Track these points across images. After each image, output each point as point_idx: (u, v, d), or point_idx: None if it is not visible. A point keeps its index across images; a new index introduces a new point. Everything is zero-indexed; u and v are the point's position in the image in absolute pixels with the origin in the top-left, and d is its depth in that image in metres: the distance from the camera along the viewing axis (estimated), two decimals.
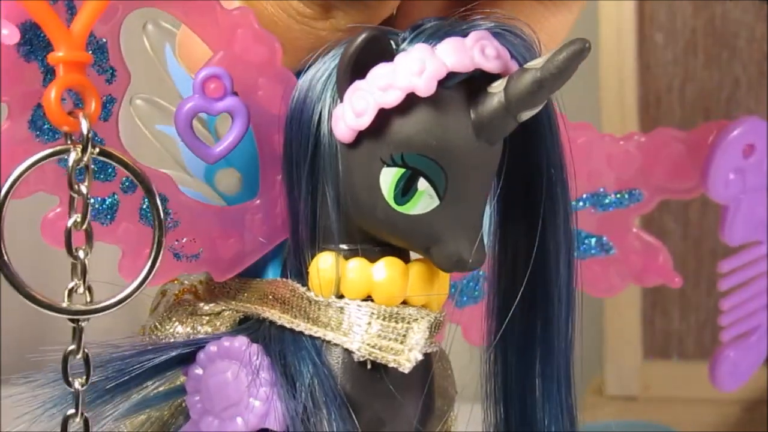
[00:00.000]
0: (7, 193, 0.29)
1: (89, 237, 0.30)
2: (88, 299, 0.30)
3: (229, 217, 0.35)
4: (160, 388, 0.34)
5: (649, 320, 0.97)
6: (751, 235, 0.44)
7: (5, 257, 0.29)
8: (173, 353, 0.33)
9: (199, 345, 0.33)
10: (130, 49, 0.37)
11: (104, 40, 0.31)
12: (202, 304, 0.37)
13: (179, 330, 0.36)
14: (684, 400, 0.88)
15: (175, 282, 0.39)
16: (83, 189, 0.30)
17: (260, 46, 0.33)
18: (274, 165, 0.34)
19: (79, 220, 0.30)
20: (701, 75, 0.96)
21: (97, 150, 0.30)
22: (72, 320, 0.30)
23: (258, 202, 0.35)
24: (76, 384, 0.31)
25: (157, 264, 0.31)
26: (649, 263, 0.45)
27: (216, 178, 0.37)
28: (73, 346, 0.30)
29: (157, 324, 0.37)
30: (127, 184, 0.33)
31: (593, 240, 0.43)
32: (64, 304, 0.30)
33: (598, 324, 0.97)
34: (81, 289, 0.30)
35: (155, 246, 0.31)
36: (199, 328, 0.36)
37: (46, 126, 0.31)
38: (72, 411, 0.31)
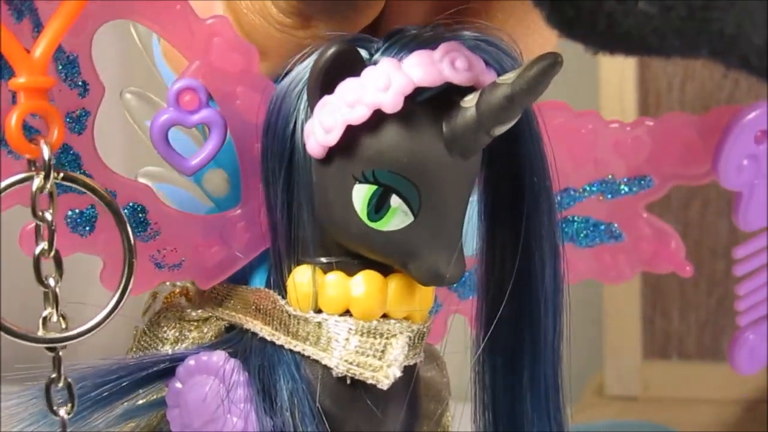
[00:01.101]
0: None
1: (58, 264, 0.30)
2: (63, 326, 0.30)
3: (211, 226, 0.35)
4: (141, 401, 0.34)
5: (649, 320, 0.97)
6: (764, 222, 0.44)
7: None
8: (154, 369, 0.33)
9: (178, 359, 0.33)
10: (120, 41, 0.37)
11: (75, 54, 0.31)
12: (190, 310, 0.37)
13: (168, 335, 0.36)
14: (684, 400, 0.89)
15: (166, 284, 0.38)
16: (48, 216, 0.29)
17: (237, 54, 0.33)
18: (254, 173, 0.34)
19: (46, 247, 0.30)
20: (701, 75, 0.96)
21: (61, 175, 0.30)
22: (49, 348, 0.30)
23: (239, 211, 0.35)
24: (62, 412, 0.31)
25: (130, 287, 0.31)
26: (660, 249, 0.44)
27: (204, 178, 0.36)
28: (54, 375, 0.30)
29: (146, 329, 0.37)
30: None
31: (602, 227, 0.43)
32: (40, 333, 0.30)
33: (598, 324, 0.97)
34: (54, 318, 0.30)
35: (126, 267, 0.31)
36: (187, 333, 0.36)
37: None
38: None
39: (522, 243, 0.34)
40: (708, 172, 0.42)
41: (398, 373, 0.31)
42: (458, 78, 0.30)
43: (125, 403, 0.33)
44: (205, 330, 0.36)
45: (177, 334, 0.36)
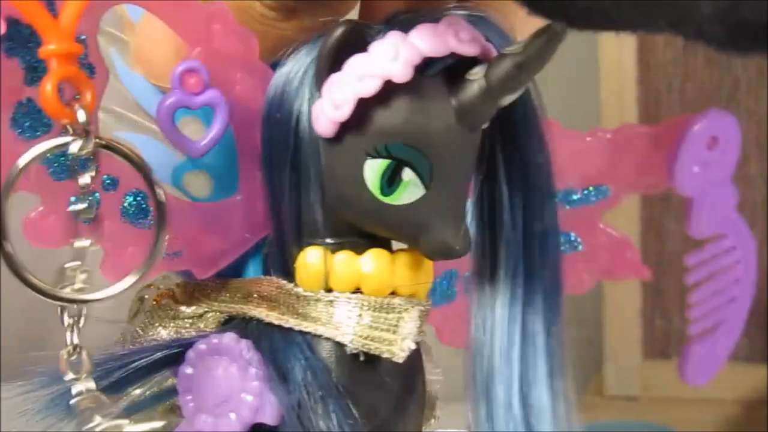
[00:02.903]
0: (9, 184, 0.29)
1: (97, 227, 0.30)
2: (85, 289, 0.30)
3: (210, 214, 0.34)
4: (147, 393, 0.34)
5: (649, 320, 0.97)
6: (717, 228, 0.44)
7: (9, 248, 0.29)
8: (159, 355, 0.33)
9: (185, 345, 0.33)
10: None
11: (84, 36, 0.31)
12: (183, 308, 0.36)
13: (162, 334, 0.36)
14: (684, 400, 0.88)
15: (152, 287, 0.38)
16: (87, 179, 0.30)
17: (237, 40, 0.33)
18: (253, 160, 0.34)
19: (84, 208, 0.30)
20: (701, 75, 0.96)
21: (97, 141, 0.30)
22: (62, 308, 0.30)
23: (238, 197, 0.35)
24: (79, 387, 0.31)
25: (159, 254, 0.31)
26: (616, 258, 0.44)
27: (184, 181, 0.36)
28: (76, 342, 0.30)
29: (139, 330, 0.36)
30: (108, 182, 0.32)
31: (561, 237, 0.43)
32: (63, 292, 0.30)
33: (598, 324, 0.97)
34: (80, 277, 0.30)
35: (157, 236, 0.31)
36: (183, 331, 0.36)
37: (27, 124, 0.30)
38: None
39: (522, 228, 0.34)
40: (662, 181, 0.43)
41: (413, 346, 0.32)
42: (463, 49, 0.31)
43: (128, 397, 0.33)
44: (202, 325, 0.35)
45: (173, 333, 0.36)
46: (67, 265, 0.30)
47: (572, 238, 0.43)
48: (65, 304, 0.30)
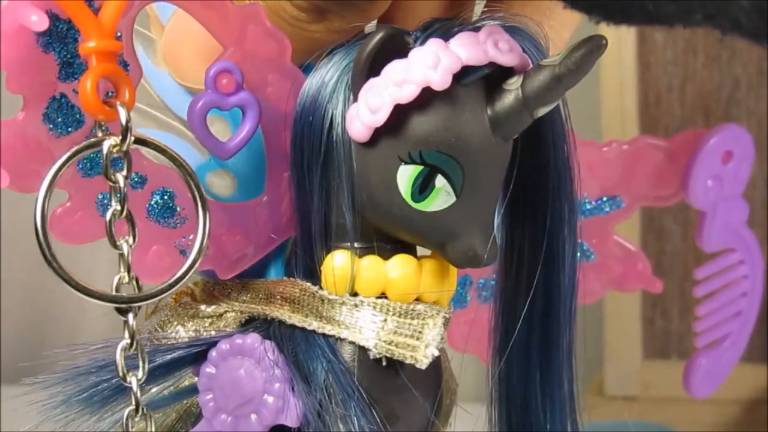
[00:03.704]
0: (50, 184, 0.29)
1: (132, 225, 0.30)
2: (136, 289, 0.30)
3: (235, 214, 0.34)
4: (165, 392, 0.34)
5: (649, 320, 0.97)
6: (727, 243, 0.45)
7: (51, 252, 0.29)
8: (179, 353, 0.33)
9: (207, 344, 0.33)
10: None
11: (119, 33, 0.31)
12: (203, 306, 0.36)
13: (181, 333, 0.36)
14: (684, 400, 0.88)
15: None
16: (120, 178, 0.30)
17: (271, 42, 0.33)
18: (281, 162, 0.34)
19: (118, 209, 0.30)
20: (701, 75, 0.96)
21: (134, 138, 0.30)
22: (120, 310, 0.30)
23: (265, 198, 0.35)
24: (133, 380, 0.31)
25: (204, 246, 0.31)
26: (628, 270, 0.45)
27: (207, 180, 0.36)
28: (126, 340, 0.30)
29: (157, 327, 0.36)
30: (135, 179, 0.32)
31: None
32: (116, 294, 0.30)
33: (598, 324, 0.98)
34: (126, 280, 0.30)
35: (202, 228, 0.31)
36: (202, 330, 0.35)
37: (59, 119, 0.30)
38: (132, 407, 0.31)
39: (545, 244, 0.35)
40: (676, 194, 0.44)
41: (436, 353, 0.32)
42: (502, 58, 0.31)
43: (146, 396, 0.33)
44: (222, 325, 0.35)
45: (192, 332, 0.35)
46: (119, 275, 0.30)
47: (585, 248, 0.44)
48: (122, 305, 0.30)
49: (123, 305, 0.30)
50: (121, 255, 0.30)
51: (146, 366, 0.31)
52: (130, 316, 0.30)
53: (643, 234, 0.96)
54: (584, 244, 0.44)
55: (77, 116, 0.31)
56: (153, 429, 0.31)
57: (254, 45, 0.33)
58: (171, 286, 0.31)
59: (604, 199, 0.43)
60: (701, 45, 0.96)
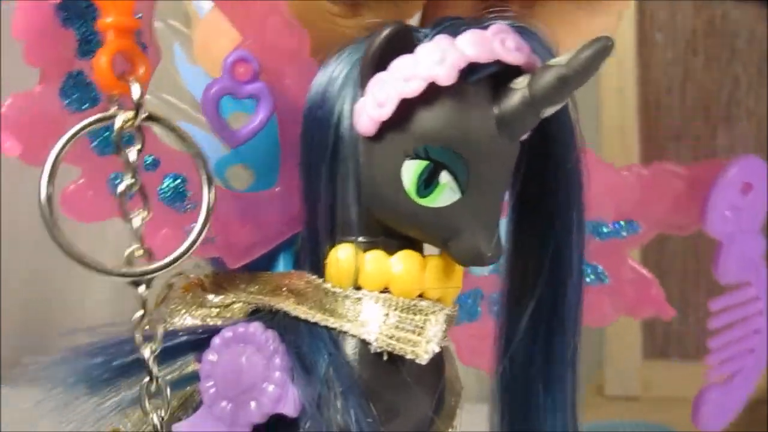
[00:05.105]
0: (57, 156, 0.29)
1: (145, 198, 0.30)
2: (150, 259, 0.31)
3: (247, 204, 0.35)
4: (168, 377, 0.34)
5: (649, 321, 0.97)
6: (742, 276, 0.45)
7: (56, 226, 0.29)
8: (184, 338, 0.33)
9: (212, 331, 0.33)
10: None
11: (140, 15, 0.31)
12: (211, 296, 0.36)
13: (188, 321, 0.36)
14: (684, 400, 0.88)
15: (182, 275, 0.38)
16: (134, 152, 0.30)
17: (290, 35, 0.33)
18: (294, 154, 0.34)
19: (131, 182, 0.30)
20: (701, 75, 0.97)
21: (146, 114, 0.30)
22: (135, 284, 0.30)
23: (278, 190, 0.35)
24: (146, 352, 0.31)
25: (209, 220, 0.31)
26: (641, 295, 0.45)
27: (227, 174, 0.36)
28: (141, 312, 0.31)
29: (166, 316, 0.37)
30: (148, 162, 0.33)
31: (588, 268, 0.43)
32: (126, 268, 0.30)
33: None
34: (139, 252, 0.30)
35: (205, 205, 0.31)
36: (209, 320, 0.36)
37: (75, 96, 0.31)
38: (147, 379, 0.31)
39: (552, 247, 0.35)
40: (693, 223, 0.43)
41: (437, 349, 0.32)
42: (508, 57, 0.31)
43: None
44: (228, 315, 0.36)
45: (199, 321, 0.36)
46: (130, 249, 0.30)
47: (599, 271, 0.44)
48: (134, 278, 0.30)
49: (136, 278, 0.30)
50: (135, 229, 0.30)
51: (160, 337, 0.31)
52: (142, 287, 0.30)
53: None
54: (599, 267, 0.44)
55: (93, 94, 0.31)
56: (169, 400, 0.32)
57: (274, 37, 0.33)
58: (177, 258, 0.31)
59: (622, 223, 0.43)
60: (701, 45, 0.96)
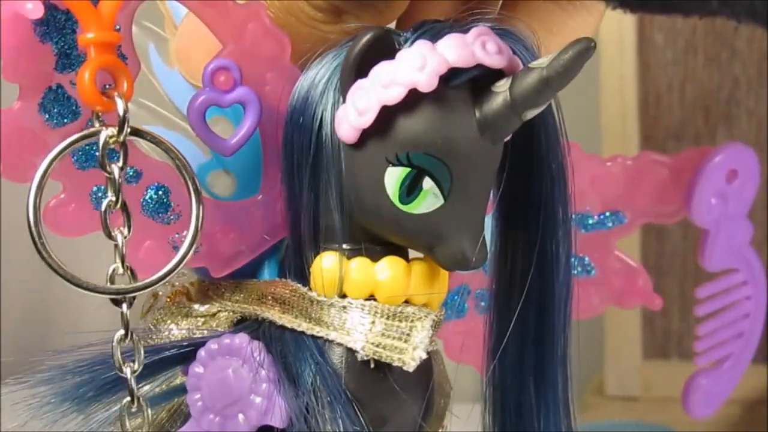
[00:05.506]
0: (44, 173, 0.29)
1: (127, 216, 0.30)
2: (131, 279, 0.31)
3: (230, 212, 0.34)
4: (157, 389, 0.34)
5: (649, 320, 0.97)
6: (729, 262, 0.45)
7: (42, 242, 0.29)
8: (171, 352, 0.33)
9: (197, 343, 0.33)
10: None
11: (118, 26, 0.31)
12: (197, 306, 0.36)
13: (174, 332, 0.36)
14: None
15: (167, 284, 0.38)
16: (115, 169, 0.30)
17: (270, 41, 0.33)
18: (276, 162, 0.34)
19: (113, 199, 0.30)
20: (701, 75, 0.96)
21: (129, 129, 0.30)
22: (115, 301, 0.30)
23: (260, 197, 0.35)
24: (127, 371, 0.31)
25: (198, 236, 0.31)
26: (629, 286, 0.45)
27: (208, 180, 0.36)
28: (121, 331, 0.31)
29: (151, 326, 0.37)
30: (130, 174, 0.32)
31: (575, 260, 0.43)
32: (107, 285, 0.30)
33: (598, 324, 0.97)
34: (120, 270, 0.30)
35: (194, 222, 0.31)
36: (195, 330, 0.36)
37: (55, 110, 0.31)
38: (127, 399, 0.31)
39: (538, 244, 0.35)
40: (678, 211, 0.43)
41: (424, 356, 0.32)
42: (489, 60, 0.31)
43: (140, 389, 0.33)
44: (214, 324, 0.35)
45: (185, 332, 0.36)
46: (113, 266, 0.30)
47: (586, 262, 0.44)
48: (116, 296, 0.30)
49: (116, 296, 0.30)
50: (116, 246, 0.30)
51: (141, 357, 0.31)
52: (124, 306, 0.30)
53: (643, 234, 0.96)
54: (585, 258, 0.44)
55: (73, 108, 0.31)
56: (149, 419, 0.31)
57: (254, 43, 0.33)
58: (163, 276, 0.31)
59: (607, 214, 0.43)
60: (701, 45, 0.96)
